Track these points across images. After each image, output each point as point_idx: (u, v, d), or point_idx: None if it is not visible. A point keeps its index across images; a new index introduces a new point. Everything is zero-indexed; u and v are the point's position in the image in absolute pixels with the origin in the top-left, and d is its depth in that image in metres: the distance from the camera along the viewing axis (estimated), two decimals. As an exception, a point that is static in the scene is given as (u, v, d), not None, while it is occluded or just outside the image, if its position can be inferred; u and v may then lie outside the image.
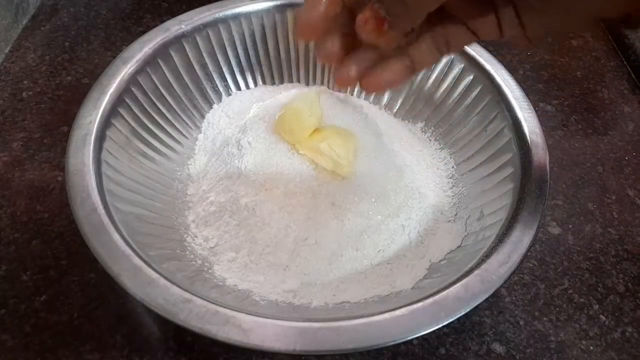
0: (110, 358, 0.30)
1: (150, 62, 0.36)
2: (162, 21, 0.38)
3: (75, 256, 0.34)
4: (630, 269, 0.37)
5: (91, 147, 0.30)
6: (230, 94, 0.42)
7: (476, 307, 0.25)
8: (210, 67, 0.40)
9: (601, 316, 0.34)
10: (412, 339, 0.32)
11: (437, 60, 0.25)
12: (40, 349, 0.30)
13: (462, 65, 0.38)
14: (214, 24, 0.39)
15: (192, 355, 0.30)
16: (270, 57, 0.42)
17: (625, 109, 0.48)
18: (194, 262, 0.31)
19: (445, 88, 0.40)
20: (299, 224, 0.31)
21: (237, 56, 0.41)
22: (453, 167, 0.38)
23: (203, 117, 0.40)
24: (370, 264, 0.32)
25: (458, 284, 0.26)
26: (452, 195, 0.36)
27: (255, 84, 0.43)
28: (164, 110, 0.37)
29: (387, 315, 0.24)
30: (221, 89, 0.41)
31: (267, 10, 0.40)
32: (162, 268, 0.26)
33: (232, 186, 0.33)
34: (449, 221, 0.35)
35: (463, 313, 0.25)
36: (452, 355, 0.31)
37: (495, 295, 0.34)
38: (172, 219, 0.33)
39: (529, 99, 0.35)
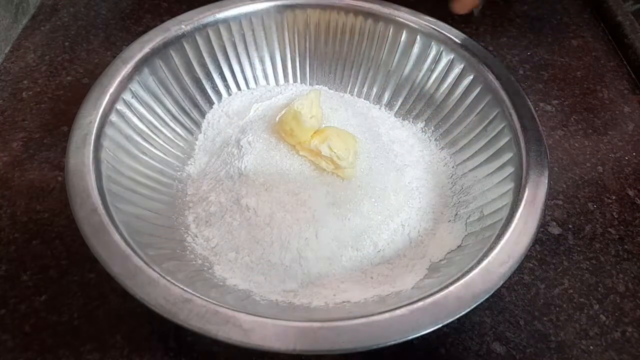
0: (110, 358, 0.30)
1: (150, 62, 0.36)
2: (162, 21, 0.38)
3: (75, 256, 0.34)
4: (630, 269, 0.37)
5: (91, 147, 0.30)
6: (230, 94, 0.42)
7: (476, 307, 0.25)
8: (210, 67, 0.40)
9: (601, 316, 0.34)
10: (412, 339, 0.31)
11: None
12: (40, 349, 0.30)
13: (462, 65, 0.38)
14: (214, 24, 0.39)
15: (192, 355, 0.30)
16: (270, 57, 0.42)
17: (625, 109, 0.48)
18: (194, 262, 0.31)
19: (445, 88, 0.40)
20: (299, 224, 0.31)
21: (237, 56, 0.41)
22: (453, 167, 0.38)
23: (203, 117, 0.40)
24: (370, 264, 0.32)
25: (458, 284, 0.26)
26: (452, 195, 0.36)
27: (256, 84, 0.43)
28: (164, 110, 0.37)
29: (387, 315, 0.25)
30: (221, 89, 0.41)
31: (267, 10, 0.40)
32: (162, 268, 0.26)
33: (233, 186, 0.33)
34: (449, 221, 0.35)
35: (463, 313, 0.25)
36: (452, 355, 0.31)
37: (495, 295, 0.34)
38: (172, 219, 0.33)
39: (529, 99, 0.35)
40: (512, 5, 0.58)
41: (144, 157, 0.34)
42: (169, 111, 0.37)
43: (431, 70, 0.40)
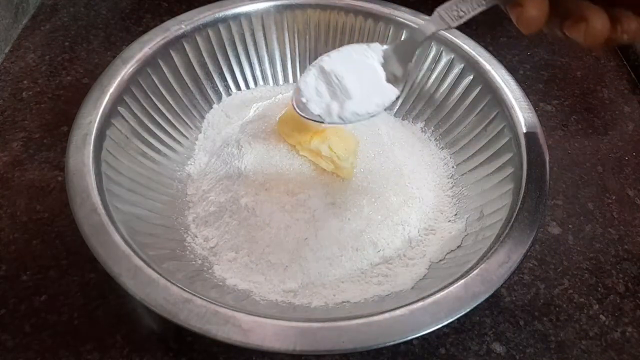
0: (110, 358, 0.30)
1: (150, 62, 0.36)
2: (162, 21, 0.38)
3: (75, 256, 0.34)
4: (630, 269, 0.37)
5: (91, 147, 0.30)
6: (230, 94, 0.42)
7: (476, 307, 0.25)
8: (210, 67, 0.40)
9: (601, 316, 0.34)
10: (412, 339, 0.32)
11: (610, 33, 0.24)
12: (40, 349, 0.30)
13: (462, 65, 0.38)
14: (214, 24, 0.39)
15: (192, 355, 0.30)
16: (270, 57, 0.42)
17: (625, 109, 0.48)
18: (194, 262, 0.31)
19: (445, 88, 0.40)
20: (299, 224, 0.31)
21: (237, 56, 0.41)
22: (453, 167, 0.38)
23: (203, 117, 0.40)
24: (370, 264, 0.32)
25: (458, 284, 0.26)
26: (452, 195, 0.36)
27: (256, 84, 0.43)
28: (164, 110, 0.37)
29: (387, 315, 0.25)
30: (221, 89, 0.41)
31: (267, 10, 0.40)
32: (162, 268, 0.26)
33: (232, 186, 0.33)
34: (449, 221, 0.35)
35: (463, 313, 0.25)
36: (452, 355, 0.31)
37: (495, 295, 0.34)
38: (172, 219, 0.33)
39: (529, 99, 0.35)
40: (512, 5, 0.57)
41: (143, 157, 0.34)
42: (169, 111, 0.37)
43: (431, 70, 0.40)
